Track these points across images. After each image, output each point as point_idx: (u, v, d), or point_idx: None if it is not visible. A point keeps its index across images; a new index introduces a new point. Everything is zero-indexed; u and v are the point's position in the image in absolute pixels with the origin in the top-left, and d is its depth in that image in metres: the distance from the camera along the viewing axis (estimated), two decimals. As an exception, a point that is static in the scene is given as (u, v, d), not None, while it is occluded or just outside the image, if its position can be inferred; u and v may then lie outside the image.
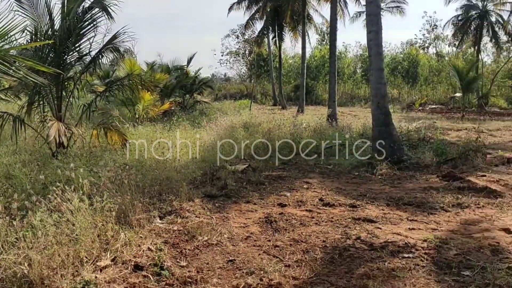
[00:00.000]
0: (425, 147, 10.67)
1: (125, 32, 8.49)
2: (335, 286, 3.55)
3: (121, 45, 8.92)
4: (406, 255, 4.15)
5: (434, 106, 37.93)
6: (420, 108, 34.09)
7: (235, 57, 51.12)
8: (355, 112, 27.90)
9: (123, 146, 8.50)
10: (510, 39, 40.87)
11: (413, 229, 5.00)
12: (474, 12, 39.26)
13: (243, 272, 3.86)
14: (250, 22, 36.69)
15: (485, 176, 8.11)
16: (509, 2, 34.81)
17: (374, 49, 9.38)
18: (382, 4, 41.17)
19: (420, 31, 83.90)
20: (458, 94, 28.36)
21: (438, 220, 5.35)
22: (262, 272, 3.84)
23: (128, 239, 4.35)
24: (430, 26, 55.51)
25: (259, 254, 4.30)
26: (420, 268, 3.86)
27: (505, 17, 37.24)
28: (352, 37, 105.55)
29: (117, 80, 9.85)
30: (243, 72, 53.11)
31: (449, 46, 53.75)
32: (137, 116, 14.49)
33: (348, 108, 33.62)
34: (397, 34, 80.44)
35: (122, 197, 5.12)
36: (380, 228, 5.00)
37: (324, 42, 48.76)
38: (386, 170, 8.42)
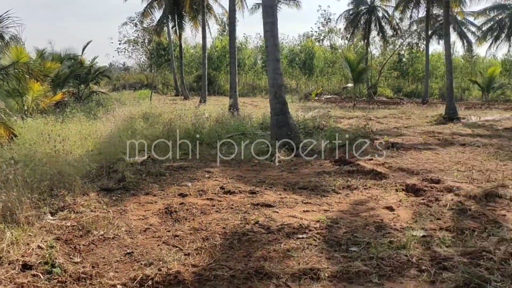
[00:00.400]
0: (319, 135, 11.28)
1: (9, 16, 7.80)
2: (233, 270, 3.64)
3: (4, 31, 8.17)
4: (300, 236, 4.39)
5: (329, 96, 40.15)
6: (316, 98, 35.84)
7: (133, 46, 49.30)
8: (256, 102, 28.53)
9: (10, 141, 7.84)
10: (395, 33, 44.39)
11: (308, 211, 5.29)
12: (363, 7, 41.97)
13: (141, 264, 3.80)
14: (149, 10, 35.61)
15: (372, 160, 8.82)
16: (393, -1, 37.71)
17: (270, 40, 9.66)
18: (279, -3, 42.41)
19: (315, 24, 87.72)
20: (349, 85, 30.23)
21: (330, 202, 5.72)
22: (161, 262, 3.81)
23: (15, 238, 4.06)
24: (324, 20, 58.27)
25: (158, 245, 4.26)
26: (313, 247, 4.10)
27: (390, 13, 40.31)
28: (253, 29, 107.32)
29: (1, 68, 9.01)
30: (143, 61, 51.49)
31: (342, 39, 56.87)
32: (26, 108, 13.40)
33: (249, 98, 34.26)
34: (295, 26, 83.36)
35: (7, 194, 4.74)
36: (277, 212, 5.21)
37: (225, 33, 48.79)
38: (284, 157, 8.78)
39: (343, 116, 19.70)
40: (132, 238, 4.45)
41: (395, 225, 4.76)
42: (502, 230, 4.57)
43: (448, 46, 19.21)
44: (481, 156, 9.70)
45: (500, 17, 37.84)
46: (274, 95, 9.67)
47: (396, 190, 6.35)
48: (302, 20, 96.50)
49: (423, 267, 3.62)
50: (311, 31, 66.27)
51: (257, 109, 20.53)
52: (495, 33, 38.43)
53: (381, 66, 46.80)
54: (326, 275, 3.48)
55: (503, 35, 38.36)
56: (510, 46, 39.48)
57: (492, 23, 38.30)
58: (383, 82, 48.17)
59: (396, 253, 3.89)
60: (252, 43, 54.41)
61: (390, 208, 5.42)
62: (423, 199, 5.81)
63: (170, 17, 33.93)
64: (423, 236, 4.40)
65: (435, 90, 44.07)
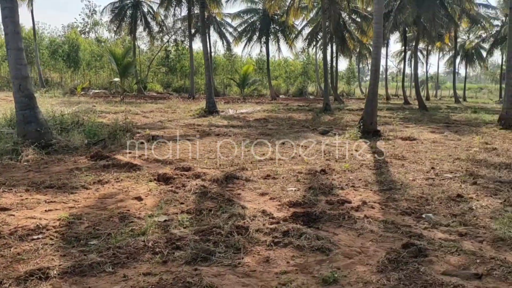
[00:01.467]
0: (78, 130, 10.72)
1: None
2: None
3: None
4: (35, 237, 4.10)
5: (97, 91, 38.53)
6: (83, 92, 33.89)
7: None
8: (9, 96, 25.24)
9: None
10: (161, 29, 45.33)
11: (50, 210, 4.97)
12: (129, 1, 41.55)
13: None
14: None
15: (130, 153, 8.87)
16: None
17: (10, 27, 8.64)
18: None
19: (79, 15, 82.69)
20: (116, 79, 29.62)
21: (77, 199, 5.50)
22: None
23: None
24: (89, 11, 55.52)
25: None
26: (48, 247, 3.88)
27: (156, 9, 40.94)
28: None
29: None
30: None
31: (109, 32, 55.28)
32: None
33: (4, 92, 30.15)
34: (56, 15, 76.85)
35: None
36: (14, 215, 4.75)
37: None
38: (33, 155, 8.03)
39: (109, 110, 19.18)
40: None
41: (140, 214, 4.90)
42: (233, 207, 5.19)
43: (205, 44, 20.66)
44: (230, 144, 10.80)
45: (252, 19, 42.59)
46: (18, 88, 8.71)
47: (149, 180, 6.53)
48: (63, 10, 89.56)
49: (157, 250, 3.83)
50: (75, 22, 62.31)
51: (6, 103, 18.21)
52: (248, 35, 43.12)
53: (150, 61, 47.30)
54: (56, 272, 3.34)
55: (255, 37, 43.36)
56: (261, 46, 44.97)
57: (246, 25, 42.83)
58: (153, 77, 48.87)
59: (134, 240, 4.01)
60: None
61: (139, 198, 5.55)
62: (172, 187, 6.14)
63: None
64: (165, 220, 4.66)
65: (201, 85, 46.92)
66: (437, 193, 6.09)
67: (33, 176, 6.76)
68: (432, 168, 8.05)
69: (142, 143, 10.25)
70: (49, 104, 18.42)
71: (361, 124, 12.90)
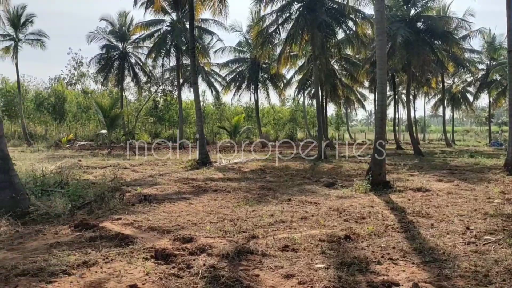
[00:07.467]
0: (61, 193, 9.57)
1: None
2: None
3: None
4: None
5: (83, 143, 37.41)
6: (69, 145, 32.82)
7: None
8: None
9: None
10: (149, 79, 45.03)
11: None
12: (115, 53, 41.31)
13: None
14: None
15: (120, 219, 7.74)
16: (146, 46, 38.22)
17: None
18: (21, 35, 38.02)
19: (66, 67, 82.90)
20: (103, 131, 28.66)
21: (57, 291, 4.36)
22: None
23: None
24: (76, 63, 55.35)
25: None
26: None
27: (143, 59, 40.71)
28: None
29: None
30: None
31: (95, 83, 54.88)
32: None
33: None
34: (43, 68, 76.77)
35: None
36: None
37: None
38: (6, 227, 6.86)
39: (96, 165, 18.04)
40: None
41: (137, 314, 3.78)
42: (256, 297, 4.11)
43: (196, 93, 19.98)
44: (231, 202, 9.75)
45: (241, 69, 42.59)
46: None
47: (145, 259, 5.41)
48: (50, 62, 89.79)
49: None
50: (61, 74, 62.13)
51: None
52: (237, 83, 43.00)
53: (137, 111, 46.66)
54: None
55: (244, 85, 43.21)
56: (250, 94, 44.77)
57: (234, 74, 42.77)
58: (141, 127, 48.08)
59: None
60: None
61: (135, 287, 4.43)
62: (173, 267, 5.03)
63: None
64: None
65: (190, 134, 46.21)
66: (491, 265, 5.08)
67: (4, 256, 5.57)
68: (467, 228, 7.07)
69: (133, 205, 9.16)
70: (30, 162, 17.31)
71: (370, 175, 11.98)
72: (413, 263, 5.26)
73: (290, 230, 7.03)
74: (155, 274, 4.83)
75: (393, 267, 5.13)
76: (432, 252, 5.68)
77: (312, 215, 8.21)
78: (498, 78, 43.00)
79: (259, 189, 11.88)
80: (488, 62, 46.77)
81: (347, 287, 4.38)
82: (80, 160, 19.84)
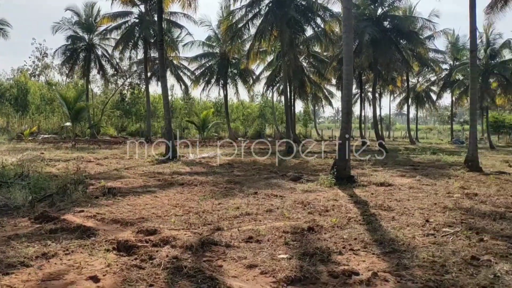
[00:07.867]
0: (21, 185, 9.30)
1: None
2: None
3: None
4: None
5: (47, 136, 36.37)
6: (31, 138, 31.79)
7: None
8: None
9: None
10: (116, 72, 44.13)
11: (-27, 305, 3.72)
12: (81, 44, 40.25)
13: None
14: None
15: (83, 211, 7.59)
16: (113, 38, 37.44)
17: None
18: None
19: (29, 58, 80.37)
20: (68, 124, 27.94)
21: (14, 283, 4.24)
22: None
23: None
24: (40, 54, 53.64)
25: None
26: None
27: (110, 52, 39.82)
28: None
29: None
30: None
31: (60, 75, 53.42)
32: None
33: None
34: (6, 59, 74.05)
35: None
36: None
37: None
38: (-39, 219, 6.63)
39: (59, 158, 17.57)
40: None
41: (96, 305, 3.73)
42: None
43: (164, 86, 19.76)
44: (198, 195, 9.72)
45: (210, 63, 42.33)
46: None
47: (107, 250, 5.33)
48: (15, 55, 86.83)
49: None
50: (25, 65, 60.16)
51: None
52: (206, 78, 42.73)
53: (103, 104, 45.68)
54: None
55: (213, 80, 43.00)
56: (219, 89, 44.60)
57: (203, 68, 42.47)
58: (107, 121, 47.10)
59: None
60: None
61: (95, 279, 4.36)
62: (135, 259, 4.98)
63: None
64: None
65: (158, 129, 45.63)
66: (449, 256, 5.27)
67: (-43, 249, 5.39)
68: (427, 221, 7.30)
69: (96, 198, 8.99)
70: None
71: (335, 169, 12.18)
72: (373, 254, 5.40)
73: (255, 222, 7.08)
74: (117, 265, 4.77)
75: (354, 257, 5.25)
76: (392, 243, 5.84)
77: (277, 208, 8.28)
78: (461, 78, 44.39)
79: (226, 182, 11.88)
80: (452, 62, 48.22)
81: (308, 276, 4.46)
82: (42, 153, 19.31)
